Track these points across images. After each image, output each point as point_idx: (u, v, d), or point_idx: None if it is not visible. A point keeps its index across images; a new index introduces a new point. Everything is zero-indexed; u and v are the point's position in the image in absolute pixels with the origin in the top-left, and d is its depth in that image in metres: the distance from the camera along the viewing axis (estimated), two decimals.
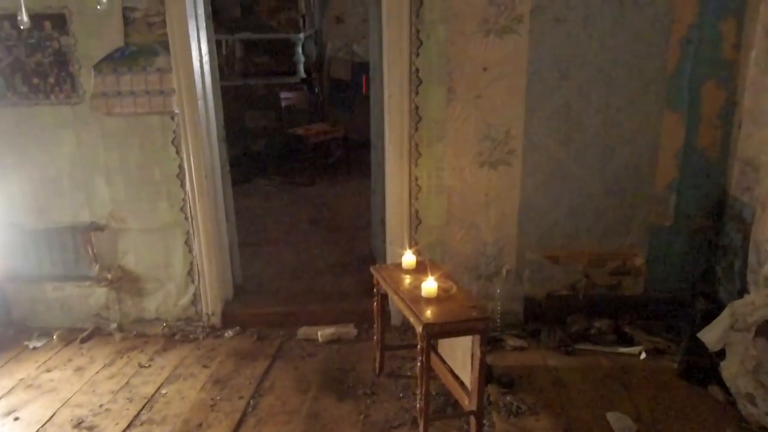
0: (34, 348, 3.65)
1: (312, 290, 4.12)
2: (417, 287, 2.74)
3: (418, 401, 2.59)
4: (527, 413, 2.85)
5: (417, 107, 3.40)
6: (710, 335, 2.91)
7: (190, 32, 3.36)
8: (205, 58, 3.56)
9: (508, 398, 2.96)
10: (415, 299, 2.65)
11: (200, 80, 3.49)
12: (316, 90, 7.36)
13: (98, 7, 2.98)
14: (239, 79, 6.98)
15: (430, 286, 2.65)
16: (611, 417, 2.77)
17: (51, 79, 3.45)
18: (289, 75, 7.05)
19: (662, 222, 3.54)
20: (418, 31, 3.29)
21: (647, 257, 3.61)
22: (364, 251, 4.65)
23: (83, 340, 3.72)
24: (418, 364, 2.54)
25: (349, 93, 7.80)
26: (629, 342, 3.40)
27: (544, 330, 3.54)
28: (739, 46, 3.24)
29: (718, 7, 3.20)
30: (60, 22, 3.35)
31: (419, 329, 2.45)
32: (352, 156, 6.84)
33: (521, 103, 3.36)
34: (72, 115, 3.49)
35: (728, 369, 2.87)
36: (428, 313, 2.51)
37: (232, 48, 7.04)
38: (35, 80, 3.45)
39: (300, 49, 7.07)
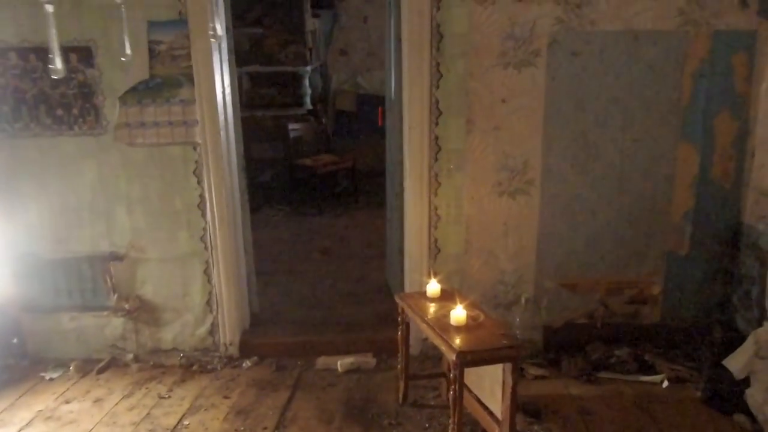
0: (51, 379, 3.62)
1: (329, 320, 4.11)
2: (444, 315, 2.75)
3: (450, 431, 2.58)
4: None
5: (437, 138, 3.46)
6: (735, 363, 2.93)
7: (214, 65, 3.43)
8: (227, 90, 3.62)
9: (536, 428, 2.96)
10: (444, 327, 2.66)
11: (222, 111, 3.55)
12: (324, 121, 7.45)
13: (123, 59, 3.03)
14: (246, 111, 7.03)
15: (459, 314, 2.67)
16: None
17: (75, 111, 3.49)
18: (296, 107, 7.14)
19: (678, 251, 3.59)
20: (438, 65, 3.37)
21: (664, 286, 3.65)
22: (378, 281, 4.66)
23: (100, 371, 3.68)
24: (450, 393, 2.54)
25: (354, 124, 7.91)
26: (650, 370, 3.41)
27: (564, 358, 3.55)
28: (751, 78, 3.34)
29: (729, 42, 3.31)
30: (86, 55, 3.41)
31: (452, 357, 2.45)
32: (360, 186, 6.90)
33: (539, 134, 3.43)
34: (95, 145, 3.53)
35: (754, 396, 2.88)
36: (460, 341, 2.53)
37: (240, 80, 7.12)
38: (59, 111, 3.49)
39: (307, 82, 7.18)
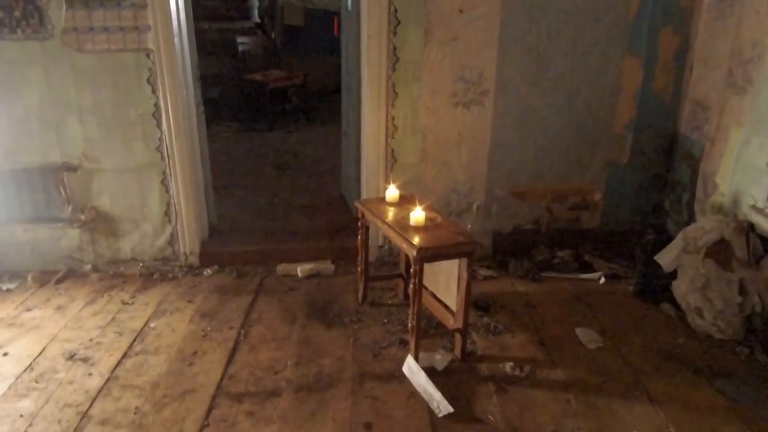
0: (8, 290, 3.61)
1: (286, 230, 4.22)
2: (404, 217, 2.90)
3: (410, 320, 2.79)
4: (504, 331, 3.11)
5: (395, 48, 3.50)
6: (665, 257, 3.23)
7: None
8: None
9: (485, 319, 3.21)
10: (404, 228, 2.81)
11: (176, 17, 3.45)
12: (273, 35, 7.26)
13: None
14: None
15: (418, 215, 2.82)
16: (579, 332, 3.07)
17: (17, 13, 3.31)
18: (243, 20, 6.92)
19: (619, 160, 3.83)
20: None
21: (604, 193, 3.91)
22: (333, 193, 4.76)
23: (58, 281, 3.70)
24: (411, 286, 2.72)
25: (302, 40, 7.74)
26: (589, 269, 3.71)
27: (512, 261, 3.80)
28: None
29: None
30: None
31: (413, 253, 2.62)
32: (310, 104, 6.86)
33: (494, 46, 3.52)
34: (41, 50, 3.39)
35: (679, 287, 3.20)
36: (419, 239, 2.69)
37: None
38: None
39: None
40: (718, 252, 3.07)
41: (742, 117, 3.15)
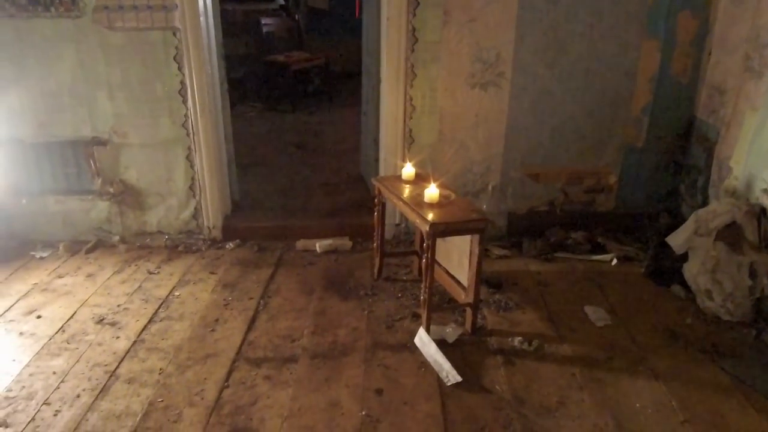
0: (41, 258, 3.79)
1: (306, 207, 4.34)
2: (419, 195, 2.99)
3: (422, 293, 2.89)
4: (514, 308, 3.19)
5: (414, 29, 3.56)
6: (677, 239, 3.28)
7: None
8: None
9: (497, 296, 3.30)
10: (419, 204, 2.90)
11: None
12: (297, 17, 7.34)
13: None
14: None
15: (432, 192, 2.90)
16: (588, 309, 3.14)
17: None
18: (267, 1, 7.00)
19: (635, 143, 3.86)
20: None
21: (619, 176, 3.94)
22: (352, 173, 4.86)
23: (88, 251, 3.87)
24: (423, 260, 2.81)
25: (325, 23, 7.81)
26: (602, 250, 3.77)
27: (525, 241, 3.87)
28: None
29: None
30: None
31: (426, 228, 2.71)
32: (332, 86, 6.95)
33: (512, 27, 3.56)
34: (73, 28, 3.52)
35: (690, 269, 3.25)
36: (433, 214, 2.77)
37: None
38: None
39: None
40: (729, 235, 3.11)
41: (758, 101, 3.16)
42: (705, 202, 3.64)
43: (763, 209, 3.04)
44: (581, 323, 3.06)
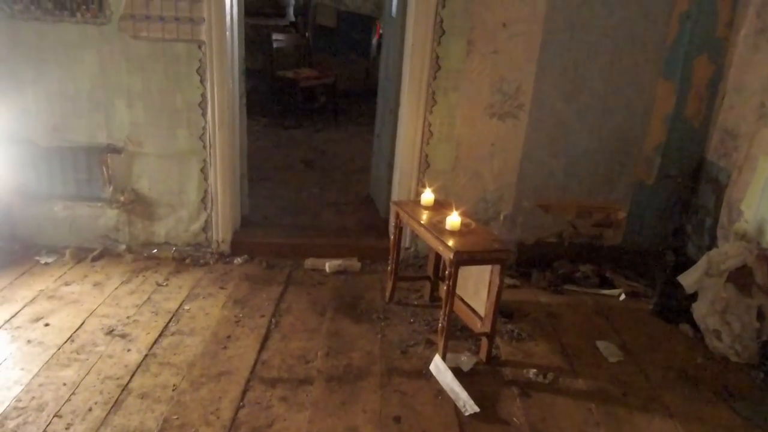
0: (46, 263, 3.73)
1: (316, 225, 4.33)
2: (440, 221, 3.01)
3: (440, 321, 2.89)
4: (527, 339, 3.21)
5: (438, 57, 3.60)
6: (688, 279, 3.32)
7: None
8: None
9: (509, 326, 3.31)
10: (441, 231, 2.92)
11: (230, 11, 3.57)
12: (306, 34, 7.38)
13: None
14: None
15: (454, 219, 2.92)
16: (600, 345, 3.16)
17: None
18: (278, 17, 7.04)
19: (646, 181, 3.92)
20: None
21: (628, 212, 4.00)
22: (361, 193, 4.87)
23: (94, 259, 3.81)
24: (445, 287, 2.82)
25: (333, 41, 7.87)
26: (610, 285, 3.81)
27: (534, 272, 3.90)
28: (732, 24, 3.59)
29: None
30: None
31: (450, 256, 2.72)
32: (339, 104, 6.99)
33: (534, 61, 3.62)
34: (97, 34, 3.51)
35: (699, 309, 3.30)
36: (456, 242, 2.79)
37: None
38: None
39: None
40: (740, 277, 3.17)
41: None
42: (712, 243, 3.70)
43: None
44: (594, 358, 3.08)
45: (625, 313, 3.54)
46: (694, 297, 3.38)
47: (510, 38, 3.57)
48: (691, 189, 3.93)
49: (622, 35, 3.60)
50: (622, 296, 3.70)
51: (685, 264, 3.54)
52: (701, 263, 3.31)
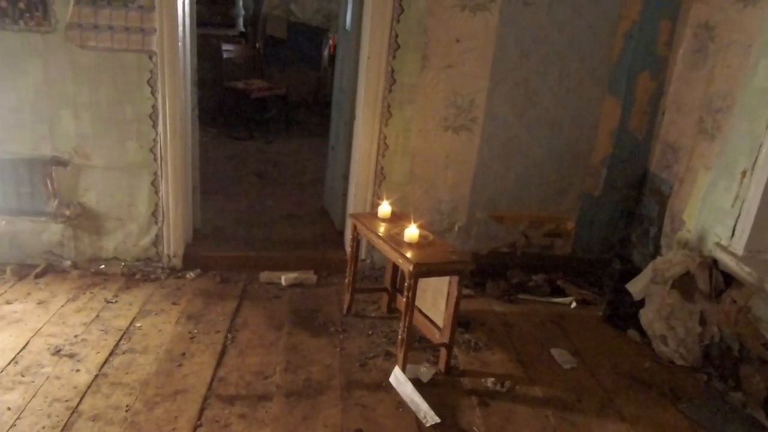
0: None
1: (270, 238, 4.28)
2: (398, 233, 3.03)
3: (400, 332, 2.90)
4: (484, 348, 3.26)
5: (393, 70, 3.64)
6: (635, 286, 3.45)
7: None
8: (187, 1, 3.57)
9: (466, 336, 3.35)
10: (399, 243, 2.94)
11: (182, 21, 3.51)
12: (257, 45, 7.32)
13: None
14: None
15: (412, 232, 2.95)
16: (554, 352, 3.24)
17: (21, 4, 3.31)
18: (228, 27, 6.96)
19: (593, 192, 4.06)
20: (400, 0, 3.51)
21: (577, 222, 4.13)
22: (315, 205, 4.85)
23: (38, 276, 3.66)
24: (404, 300, 2.84)
25: (284, 52, 7.83)
26: (561, 293, 3.91)
27: (489, 282, 3.97)
28: (671, 43, 3.77)
29: (657, 8, 3.71)
30: None
31: (409, 268, 2.74)
32: (290, 115, 6.95)
33: (486, 76, 3.71)
34: (42, 43, 3.39)
35: (646, 315, 3.43)
36: (415, 254, 2.81)
37: None
38: (3, 3, 3.30)
39: (240, 2, 6.99)
40: (683, 284, 3.31)
41: (710, 161, 3.42)
42: (656, 251, 3.86)
43: (714, 261, 3.26)
44: (549, 365, 3.15)
45: (576, 321, 3.64)
46: (641, 303, 3.51)
47: (463, 53, 3.65)
48: (636, 200, 4.10)
49: (571, 53, 3.73)
50: (573, 304, 3.81)
51: (632, 272, 3.68)
52: (647, 271, 3.45)
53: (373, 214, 3.33)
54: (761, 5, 3.14)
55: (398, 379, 2.86)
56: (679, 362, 3.25)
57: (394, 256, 2.90)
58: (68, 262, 3.79)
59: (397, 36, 3.58)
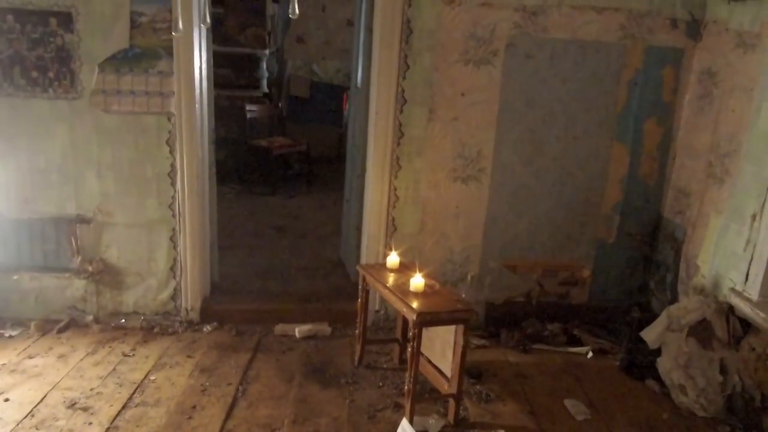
0: (10, 336, 3.67)
1: (285, 291, 4.34)
2: (404, 283, 3.06)
3: (406, 383, 2.89)
4: (496, 400, 3.21)
5: (401, 124, 3.75)
6: (650, 334, 3.38)
7: (194, 40, 3.58)
8: (204, 65, 3.78)
9: (478, 387, 3.31)
10: (404, 293, 2.97)
11: (198, 85, 3.70)
12: (280, 105, 7.60)
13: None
14: None
15: (418, 281, 2.98)
16: (568, 403, 3.18)
17: (51, 74, 3.55)
18: (252, 89, 7.26)
19: (607, 239, 4.04)
20: (406, 57, 3.65)
21: (592, 270, 4.09)
22: (332, 257, 4.91)
23: (60, 330, 3.77)
24: (409, 349, 2.84)
25: (306, 110, 8.10)
26: (577, 343, 3.84)
27: (503, 331, 3.93)
28: (677, 90, 3.81)
29: (660, 56, 3.76)
30: (66, 20, 3.49)
31: (413, 317, 2.76)
32: (311, 170, 7.13)
33: (493, 127, 3.78)
34: (69, 109, 3.60)
35: (663, 364, 3.34)
36: (419, 303, 2.83)
37: None
38: (34, 74, 3.55)
39: (264, 65, 7.31)
40: (700, 331, 3.24)
41: (721, 205, 3.38)
42: (674, 298, 3.79)
43: (731, 307, 3.19)
44: (562, 417, 3.08)
45: (592, 371, 3.56)
46: (658, 352, 3.43)
47: (469, 106, 3.74)
48: (651, 246, 4.05)
49: (575, 102, 3.79)
50: (590, 354, 3.74)
51: (650, 320, 3.60)
52: (662, 318, 3.38)
53: (382, 265, 3.38)
54: (761, 49, 3.17)
55: (406, 431, 2.83)
56: (700, 414, 3.14)
57: (399, 305, 2.93)
58: (90, 317, 3.90)
59: (403, 91, 3.70)
